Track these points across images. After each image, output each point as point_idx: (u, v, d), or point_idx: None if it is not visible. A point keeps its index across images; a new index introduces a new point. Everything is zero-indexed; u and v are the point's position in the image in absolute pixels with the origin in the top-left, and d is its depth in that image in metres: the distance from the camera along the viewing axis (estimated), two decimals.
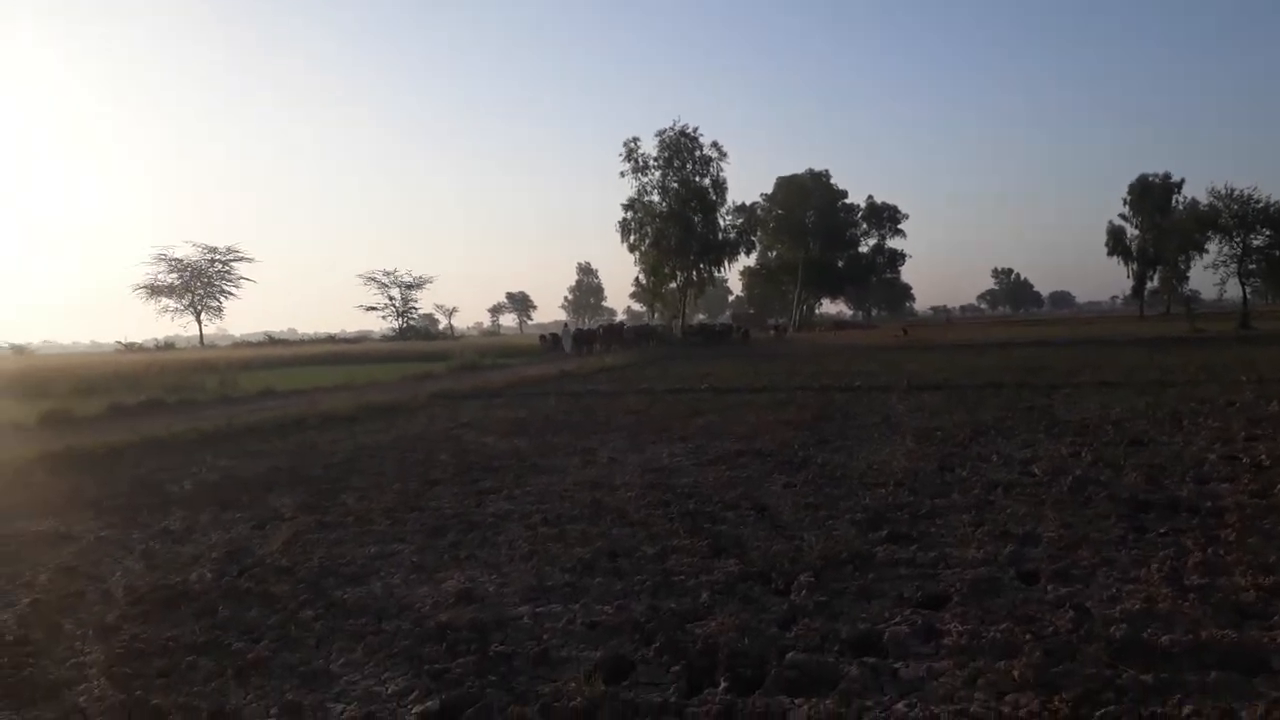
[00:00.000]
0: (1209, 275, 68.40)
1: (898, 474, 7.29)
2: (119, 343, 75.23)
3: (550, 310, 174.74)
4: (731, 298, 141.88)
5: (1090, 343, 31.64)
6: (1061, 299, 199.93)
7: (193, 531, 6.50)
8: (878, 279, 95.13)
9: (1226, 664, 3.25)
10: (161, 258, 76.21)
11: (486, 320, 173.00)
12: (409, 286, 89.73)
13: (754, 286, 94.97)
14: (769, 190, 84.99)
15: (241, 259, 79.70)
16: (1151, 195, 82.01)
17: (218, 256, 78.38)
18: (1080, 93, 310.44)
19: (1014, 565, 4.62)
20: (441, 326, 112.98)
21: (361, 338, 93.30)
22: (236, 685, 3.57)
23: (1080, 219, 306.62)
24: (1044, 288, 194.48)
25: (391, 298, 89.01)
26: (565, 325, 53.87)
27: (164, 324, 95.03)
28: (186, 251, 77.49)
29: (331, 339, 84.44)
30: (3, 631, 4.35)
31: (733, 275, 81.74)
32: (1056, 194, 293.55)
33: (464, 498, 7.23)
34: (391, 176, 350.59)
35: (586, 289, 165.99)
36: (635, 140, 54.04)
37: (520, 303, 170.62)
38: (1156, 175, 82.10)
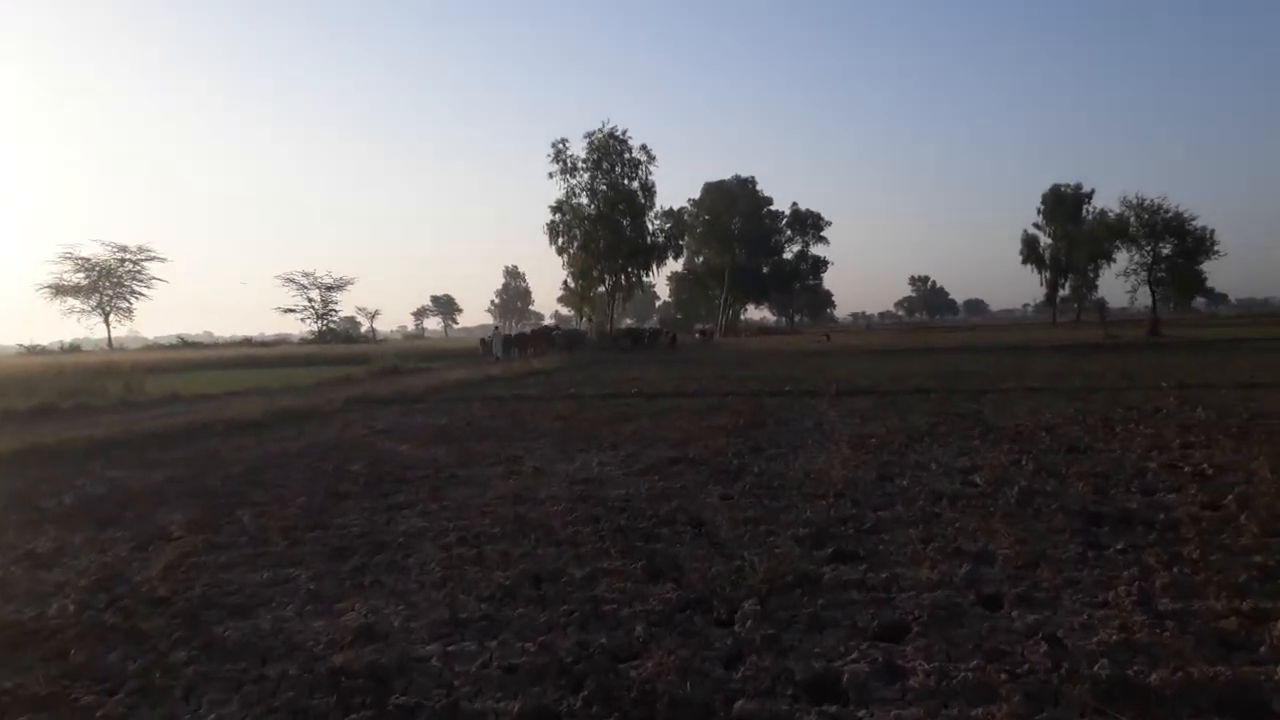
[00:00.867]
0: (1119, 283, 71.78)
1: (837, 484, 6.99)
2: (21, 345, 71.05)
3: (477, 314, 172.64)
4: (659, 303, 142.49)
5: (1010, 349, 32.53)
6: (976, 306, 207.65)
7: (63, 554, 5.76)
8: (801, 285, 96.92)
9: (1224, 707, 2.96)
10: (67, 256, 72.47)
11: (411, 324, 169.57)
12: (329, 288, 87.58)
13: (681, 291, 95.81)
14: (696, 196, 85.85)
15: (154, 258, 76.69)
16: (1064, 205, 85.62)
17: (128, 256, 75.16)
18: (997, 104, 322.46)
19: (972, 588, 4.30)
20: (363, 330, 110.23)
21: (279, 341, 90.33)
22: None
23: (995, 228, 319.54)
24: (959, 295, 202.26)
25: (311, 300, 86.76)
26: (495, 329, 52.98)
27: (71, 326, 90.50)
28: (95, 250, 73.86)
29: (248, 342, 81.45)
30: None
31: (660, 280, 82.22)
32: (975, 203, 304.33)
33: (374, 513, 6.61)
34: (313, 177, 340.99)
35: (514, 292, 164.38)
36: (564, 141, 53.74)
37: (446, 306, 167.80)
38: (1069, 185, 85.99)
